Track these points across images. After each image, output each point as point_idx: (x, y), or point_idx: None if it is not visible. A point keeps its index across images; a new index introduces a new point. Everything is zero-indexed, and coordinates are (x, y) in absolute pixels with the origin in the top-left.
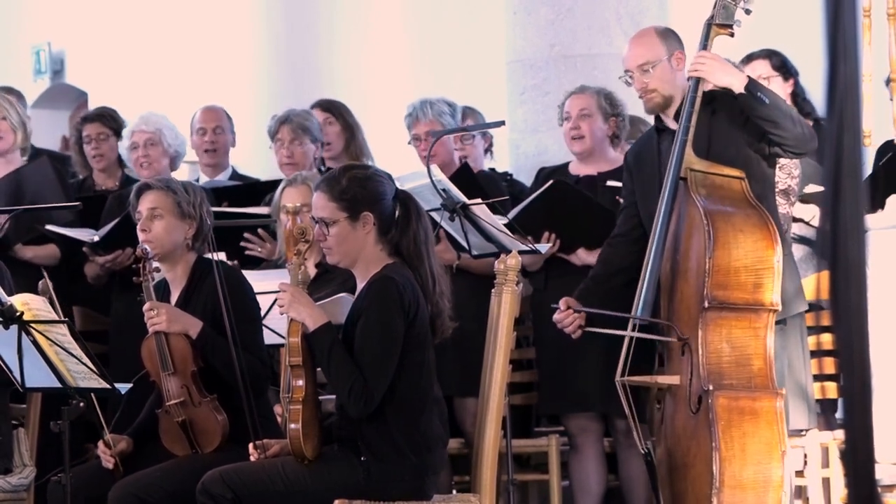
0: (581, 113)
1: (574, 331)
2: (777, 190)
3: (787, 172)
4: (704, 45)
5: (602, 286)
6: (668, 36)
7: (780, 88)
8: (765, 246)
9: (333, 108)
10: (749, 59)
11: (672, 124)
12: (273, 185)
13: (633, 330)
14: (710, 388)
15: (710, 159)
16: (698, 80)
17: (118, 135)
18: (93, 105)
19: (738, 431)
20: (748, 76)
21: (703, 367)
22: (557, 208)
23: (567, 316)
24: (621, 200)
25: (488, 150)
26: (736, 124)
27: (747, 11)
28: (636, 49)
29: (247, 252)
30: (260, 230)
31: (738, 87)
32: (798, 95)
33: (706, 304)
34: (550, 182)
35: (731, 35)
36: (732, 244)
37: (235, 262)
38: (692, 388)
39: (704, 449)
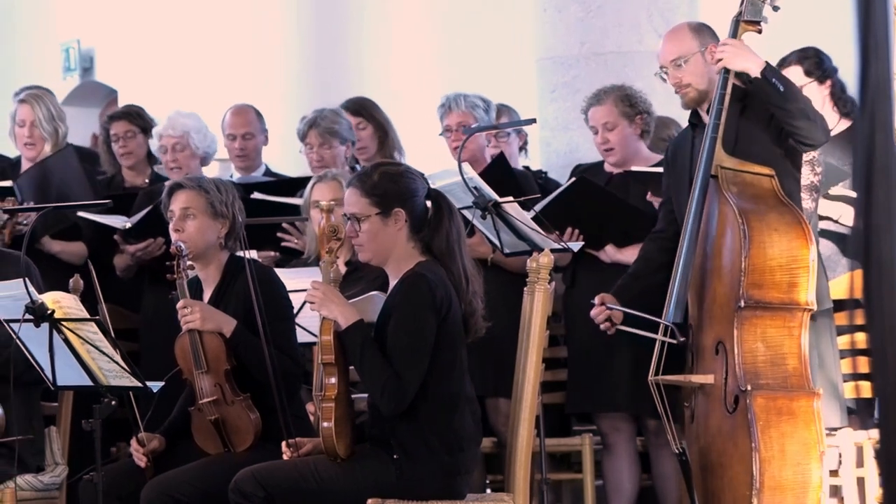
0: (605, 126)
1: (609, 328)
2: (802, 185)
3: (811, 168)
4: None
5: (641, 283)
6: (702, 30)
7: (816, 92)
8: (800, 245)
9: (364, 111)
10: (782, 64)
11: (707, 119)
12: (304, 180)
13: (666, 333)
14: (749, 388)
15: (736, 156)
16: (727, 77)
17: (145, 132)
18: (122, 103)
19: (776, 432)
20: (766, 62)
21: (738, 366)
22: (581, 205)
23: (601, 312)
24: (649, 195)
25: (523, 147)
26: (763, 121)
27: (775, 8)
28: (669, 44)
29: (283, 244)
30: (297, 223)
31: (755, 71)
32: (835, 94)
33: (742, 304)
34: (573, 179)
35: (759, 32)
36: (767, 243)
37: (275, 253)
38: (728, 388)
39: (742, 450)
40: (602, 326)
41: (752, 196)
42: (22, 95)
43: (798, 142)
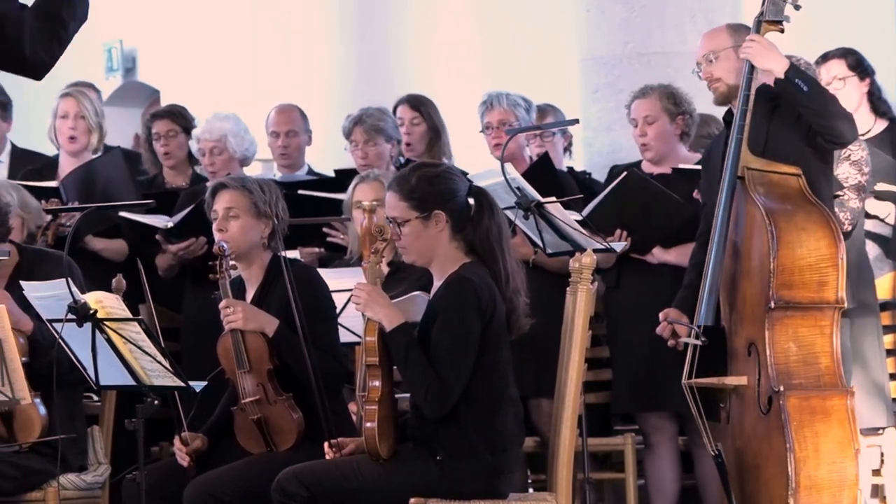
0: (646, 119)
1: (675, 344)
2: (849, 185)
3: (858, 168)
4: None
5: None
6: (740, 30)
7: (855, 88)
8: (828, 244)
9: (422, 108)
10: (825, 58)
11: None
12: (346, 174)
13: (697, 337)
14: (781, 388)
15: (766, 157)
16: (751, 77)
17: (188, 132)
18: (165, 103)
19: (810, 431)
20: (791, 63)
21: (771, 367)
22: (631, 202)
23: (666, 328)
24: (696, 192)
25: (567, 148)
26: (791, 120)
27: (796, 7)
28: (704, 41)
29: (329, 239)
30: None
31: (779, 72)
32: (873, 94)
33: (772, 305)
34: (624, 174)
35: (781, 31)
36: (796, 243)
37: (320, 249)
38: (761, 389)
39: (777, 450)
40: (669, 343)
41: (778, 196)
42: (65, 90)
43: (826, 140)
